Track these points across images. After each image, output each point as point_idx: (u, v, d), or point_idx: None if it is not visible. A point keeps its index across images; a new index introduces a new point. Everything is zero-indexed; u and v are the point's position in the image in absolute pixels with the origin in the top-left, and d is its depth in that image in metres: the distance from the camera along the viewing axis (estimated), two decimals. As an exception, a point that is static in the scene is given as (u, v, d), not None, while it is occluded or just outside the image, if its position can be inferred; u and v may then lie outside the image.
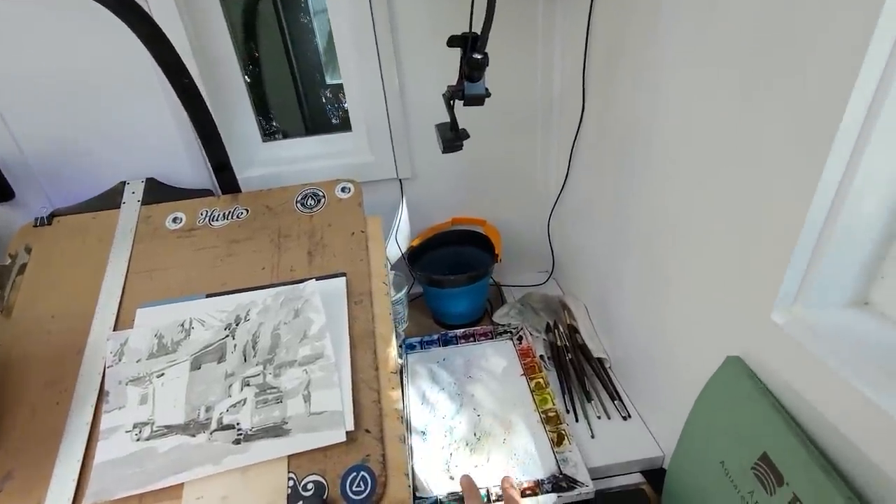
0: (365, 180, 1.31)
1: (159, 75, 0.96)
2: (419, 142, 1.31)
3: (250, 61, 1.45)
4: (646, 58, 0.81)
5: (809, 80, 0.48)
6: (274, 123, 1.51)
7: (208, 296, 1.01)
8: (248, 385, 0.88)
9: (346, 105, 1.34)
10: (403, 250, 1.31)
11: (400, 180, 1.34)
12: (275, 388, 0.87)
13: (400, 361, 1.16)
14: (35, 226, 1.11)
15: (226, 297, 1.01)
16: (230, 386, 0.88)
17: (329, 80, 1.68)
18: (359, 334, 0.95)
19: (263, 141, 1.36)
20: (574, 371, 1.11)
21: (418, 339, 1.27)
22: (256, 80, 1.50)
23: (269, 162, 1.33)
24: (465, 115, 0.90)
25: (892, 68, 0.42)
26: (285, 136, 1.42)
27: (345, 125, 1.38)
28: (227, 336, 0.95)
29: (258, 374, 0.89)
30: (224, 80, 1.23)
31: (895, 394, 0.43)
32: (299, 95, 1.64)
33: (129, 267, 1.05)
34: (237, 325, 0.96)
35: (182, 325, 0.97)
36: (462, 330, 1.27)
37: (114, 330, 0.97)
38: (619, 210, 1.01)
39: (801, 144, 0.50)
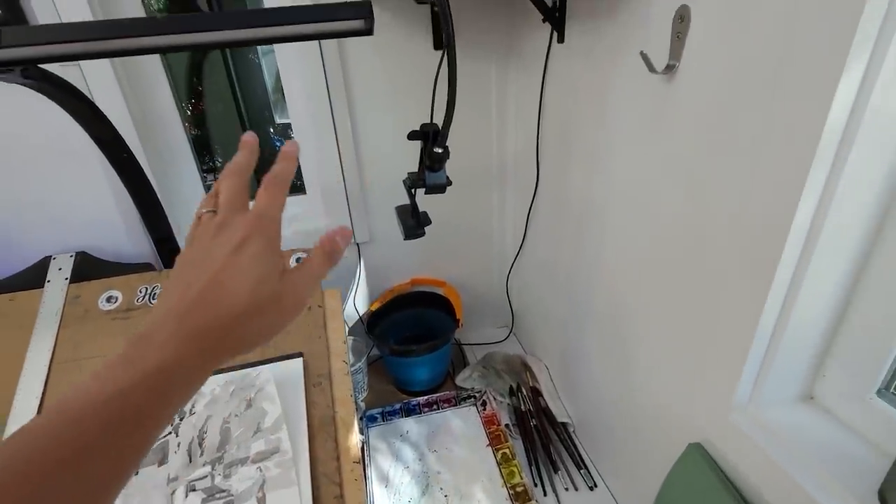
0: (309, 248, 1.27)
1: (94, 143, 0.89)
2: (376, 204, 1.29)
3: (194, 113, 1.40)
4: (597, 141, 0.85)
5: (755, 196, 0.52)
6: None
7: (147, 386, 0.92)
8: (194, 490, 0.80)
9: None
10: (362, 315, 1.27)
11: (357, 244, 1.31)
12: (224, 490, 0.79)
13: (361, 438, 1.10)
14: (-62, 311, 0.98)
15: (168, 386, 0.92)
16: (173, 493, 0.80)
17: (279, 119, 1.65)
18: (318, 422, 0.89)
19: (211, 205, 1.29)
20: (540, 439, 1.10)
21: (380, 410, 1.22)
22: (202, 134, 1.45)
23: (216, 228, 1.26)
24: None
25: (832, 185, 0.46)
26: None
27: (298, 187, 1.34)
28: (170, 433, 0.86)
29: (205, 476, 0.81)
30: (167, 142, 1.17)
31: (835, 492, 0.46)
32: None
33: (52, 357, 0.94)
34: (181, 419, 0.88)
35: (116, 423, 0.87)
36: (425, 398, 1.24)
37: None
38: (578, 278, 1.04)
39: (745, 263, 0.53)
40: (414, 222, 0.76)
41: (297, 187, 1.34)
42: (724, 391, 0.59)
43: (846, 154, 0.44)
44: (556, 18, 0.89)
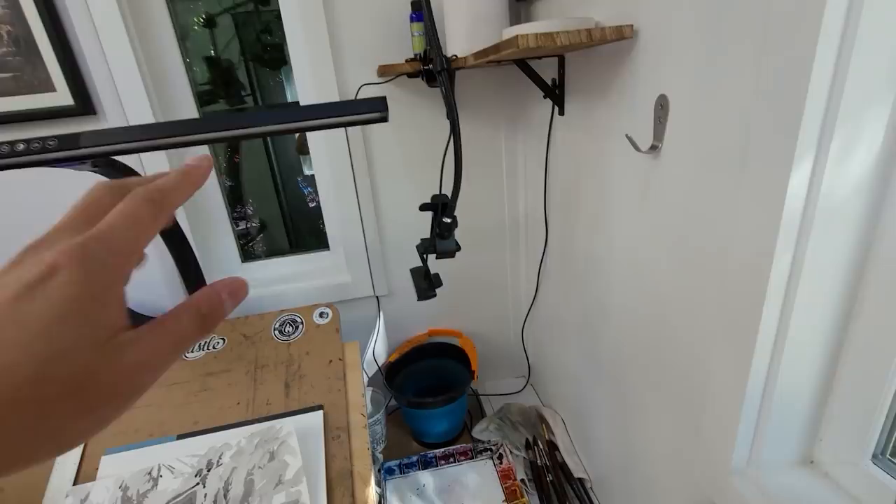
0: (342, 299, 1.35)
1: None
2: (394, 260, 1.37)
3: (229, 164, 1.55)
4: (596, 204, 0.91)
5: (731, 265, 0.56)
6: (252, 246, 1.57)
7: (179, 437, 0.98)
8: (219, 541, 0.84)
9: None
10: (381, 366, 1.32)
11: (377, 297, 1.38)
12: (246, 543, 0.83)
13: (378, 491, 1.12)
14: (-1, 364, 1.08)
15: (198, 437, 0.98)
16: (198, 544, 0.84)
17: (307, 171, 1.80)
18: (336, 475, 0.93)
19: (243, 262, 1.39)
20: (556, 495, 1.10)
21: (397, 462, 1.24)
22: (235, 185, 1.59)
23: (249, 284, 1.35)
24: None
25: (800, 256, 0.50)
26: (266, 256, 1.46)
27: (322, 242, 1.44)
28: (198, 484, 0.91)
29: (229, 528, 0.85)
30: (206, 210, 1.29)
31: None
32: (280, 201, 1.74)
33: (96, 407, 1.02)
34: (209, 470, 0.93)
35: (150, 473, 0.93)
36: (442, 450, 1.25)
37: (75, 482, 0.92)
38: (586, 332, 1.07)
39: (729, 328, 0.57)
40: (426, 284, 0.82)
41: (321, 243, 1.43)
42: (722, 453, 0.61)
43: (809, 228, 0.48)
44: (555, 95, 0.97)
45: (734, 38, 0.52)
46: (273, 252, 1.56)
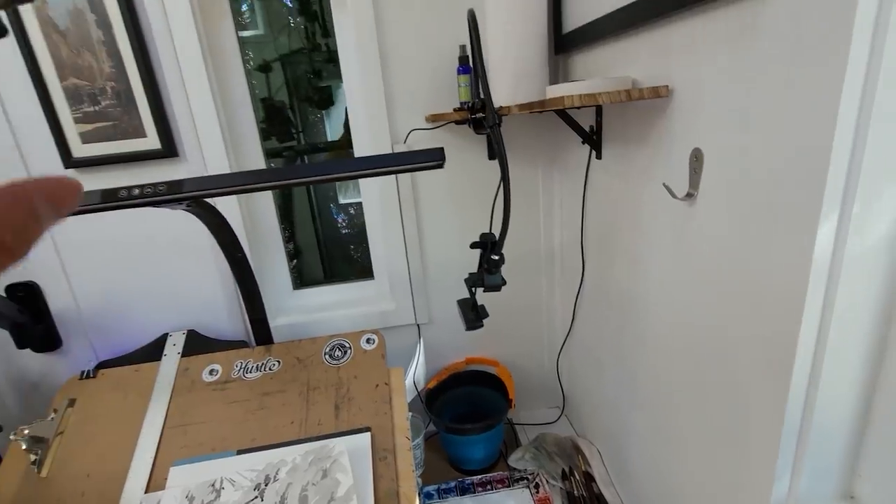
0: (385, 326, 1.42)
1: (213, 244, 1.13)
2: (435, 290, 1.44)
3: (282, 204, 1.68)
4: (633, 243, 0.96)
5: (765, 307, 0.61)
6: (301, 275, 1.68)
7: (239, 452, 1.06)
8: (275, 553, 0.90)
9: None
10: (420, 392, 1.38)
11: (418, 325, 1.45)
12: (300, 555, 0.89)
13: (418, 515, 1.16)
14: (81, 378, 1.20)
15: (256, 453, 1.05)
16: (257, 554, 0.90)
17: (341, 200, 1.92)
18: (383, 494, 0.98)
19: (294, 289, 1.49)
20: (593, 526, 1.11)
21: (436, 486, 1.28)
22: (290, 230, 1.71)
23: (298, 310, 1.45)
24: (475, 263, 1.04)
25: (830, 302, 0.54)
26: (314, 284, 1.57)
27: (353, 269, 1.53)
28: (256, 497, 0.98)
29: (284, 541, 0.91)
30: (265, 241, 1.41)
31: None
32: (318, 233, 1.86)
33: (165, 422, 1.11)
34: (266, 485, 1.00)
35: (213, 485, 1.00)
36: (479, 477, 1.29)
37: (147, 489, 1.00)
38: (623, 365, 1.10)
39: (766, 366, 0.61)
40: (474, 315, 0.89)
41: (365, 272, 1.53)
42: (761, 487, 0.64)
43: (837, 275, 0.53)
44: (593, 140, 1.05)
45: (762, 101, 0.58)
46: (310, 279, 1.66)
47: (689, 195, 0.73)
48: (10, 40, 1.07)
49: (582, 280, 1.28)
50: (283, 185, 0.84)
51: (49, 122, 1.12)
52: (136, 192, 0.76)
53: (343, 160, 0.81)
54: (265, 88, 1.96)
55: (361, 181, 1.40)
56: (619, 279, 1.07)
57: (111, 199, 0.75)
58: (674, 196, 0.75)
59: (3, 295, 1.20)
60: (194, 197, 0.79)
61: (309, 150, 2.09)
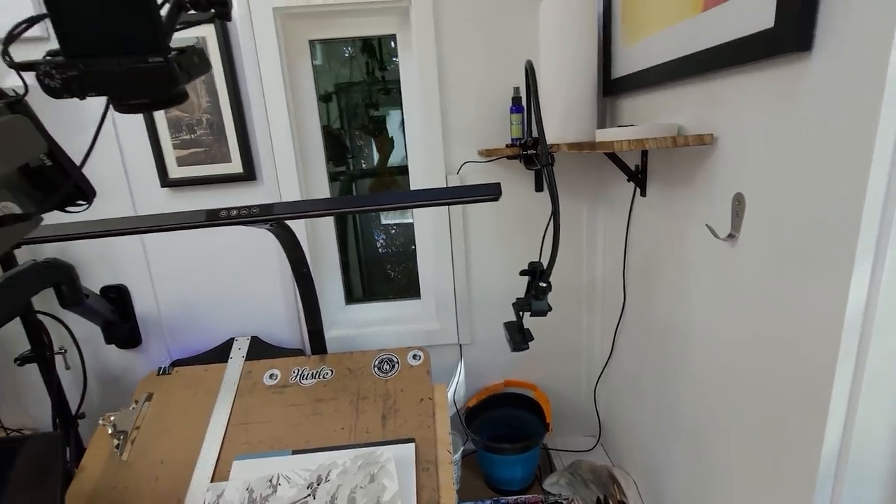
0: (429, 344, 1.50)
1: (279, 260, 1.26)
2: (478, 313, 1.51)
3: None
4: (675, 277, 1.01)
5: (802, 344, 0.64)
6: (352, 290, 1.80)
7: (294, 452, 1.15)
8: (324, 548, 0.97)
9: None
10: (460, 410, 1.43)
11: (460, 345, 1.52)
12: (347, 553, 0.96)
13: (455, 528, 1.20)
14: (158, 374, 1.33)
15: (309, 454, 1.14)
16: (308, 548, 0.97)
17: (384, 221, 2.04)
18: None
19: (346, 304, 1.60)
20: (628, 556, 1.12)
21: None
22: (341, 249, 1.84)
23: (349, 324, 1.55)
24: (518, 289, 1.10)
25: (865, 345, 0.58)
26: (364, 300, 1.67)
27: (390, 288, 1.62)
28: (309, 495, 1.06)
29: (333, 538, 0.98)
30: (323, 259, 1.53)
31: None
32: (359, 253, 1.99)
33: (229, 419, 1.22)
34: (318, 484, 1.08)
35: (270, 480, 1.09)
36: (514, 498, 1.32)
37: (212, 479, 1.11)
38: (663, 396, 1.13)
39: (802, 403, 0.64)
40: (520, 338, 0.95)
41: (402, 291, 1.62)
42: (799, 518, 0.66)
43: (872, 316, 0.57)
44: (638, 179, 1.11)
45: (801, 154, 0.64)
46: (353, 295, 1.76)
47: (731, 236, 0.78)
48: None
49: (623, 311, 1.32)
50: (358, 211, 0.95)
51: (152, 148, 1.29)
52: (234, 213, 0.89)
53: (412, 191, 0.91)
54: (325, 117, 2.13)
55: (416, 209, 1.50)
56: (661, 311, 1.10)
57: (214, 218, 0.87)
58: (716, 236, 0.80)
59: (99, 295, 1.37)
60: (281, 219, 0.91)
61: (360, 175, 2.24)
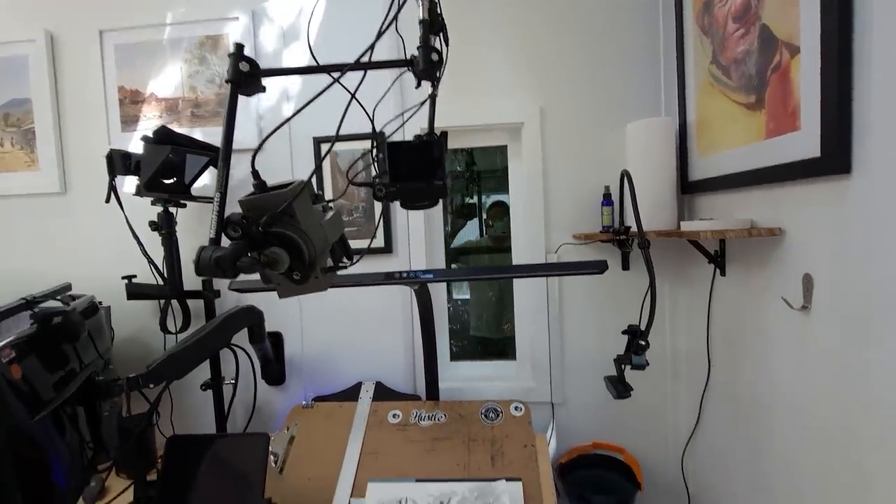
0: (523, 400, 1.69)
1: (402, 319, 1.57)
2: (571, 374, 1.69)
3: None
4: (757, 348, 1.17)
5: (876, 415, 0.80)
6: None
7: (417, 480, 1.36)
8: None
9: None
10: (553, 464, 1.57)
11: (552, 404, 1.70)
12: (469, 571, 1.12)
13: (554, 574, 1.31)
14: (303, 407, 1.62)
15: (430, 483, 1.34)
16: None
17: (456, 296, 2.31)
18: (533, 536, 1.19)
19: (451, 360, 1.85)
20: None
21: (567, 555, 1.41)
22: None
23: (453, 378, 1.79)
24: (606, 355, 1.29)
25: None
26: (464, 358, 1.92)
27: (509, 353, 1.84)
28: (432, 518, 1.25)
29: (455, 556, 1.15)
30: (437, 321, 1.82)
31: None
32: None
33: (362, 448, 1.46)
34: (440, 510, 1.27)
35: (400, 501, 1.30)
36: (607, 554, 1.40)
37: (351, 496, 1.33)
38: (753, 465, 1.23)
39: (891, 472, 0.79)
40: (622, 387, 1.15)
41: (509, 353, 1.84)
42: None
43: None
44: (717, 261, 1.33)
45: (854, 242, 0.85)
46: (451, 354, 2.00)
47: (804, 307, 0.97)
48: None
49: (707, 381, 1.46)
50: (497, 278, 1.24)
51: (321, 226, 1.71)
52: (404, 275, 1.21)
53: (541, 264, 1.21)
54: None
55: (517, 280, 1.79)
56: (746, 382, 1.25)
57: (391, 279, 1.20)
58: (791, 307, 0.99)
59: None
60: (433, 281, 1.22)
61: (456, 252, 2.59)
